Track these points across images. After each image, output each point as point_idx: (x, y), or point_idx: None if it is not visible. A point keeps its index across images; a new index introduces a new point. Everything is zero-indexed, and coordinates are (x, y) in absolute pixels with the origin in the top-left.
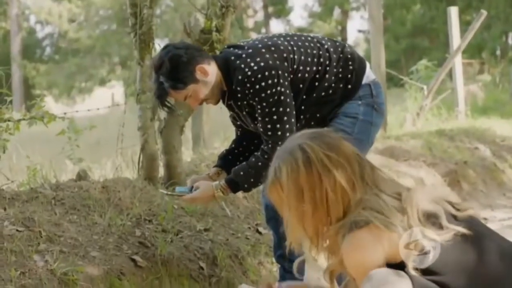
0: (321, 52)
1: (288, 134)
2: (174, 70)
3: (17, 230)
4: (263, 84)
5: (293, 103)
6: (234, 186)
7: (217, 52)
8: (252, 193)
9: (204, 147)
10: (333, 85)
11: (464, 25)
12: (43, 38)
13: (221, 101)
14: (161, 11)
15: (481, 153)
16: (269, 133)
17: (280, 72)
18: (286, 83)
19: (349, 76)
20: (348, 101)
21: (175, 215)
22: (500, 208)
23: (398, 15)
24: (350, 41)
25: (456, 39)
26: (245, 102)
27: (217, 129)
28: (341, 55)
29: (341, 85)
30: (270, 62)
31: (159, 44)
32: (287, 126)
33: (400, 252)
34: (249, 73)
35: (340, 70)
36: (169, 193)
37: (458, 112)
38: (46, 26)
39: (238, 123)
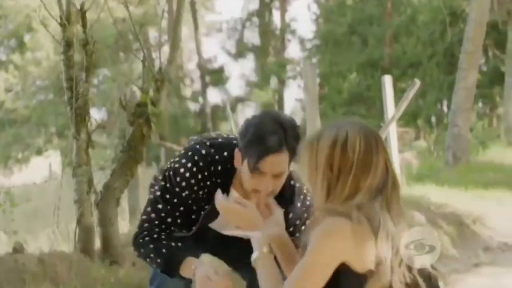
0: None
1: None
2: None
3: None
4: None
5: None
6: None
7: (153, 126)
8: None
9: None
10: None
11: (400, 93)
12: None
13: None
14: (98, 81)
15: (416, 220)
16: None
17: None
18: None
19: None
20: None
21: None
22: None
23: (334, 83)
24: (288, 110)
25: (390, 108)
26: None
27: None
28: None
29: None
30: None
31: (95, 120)
32: None
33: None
34: None
35: None
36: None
37: None
38: None
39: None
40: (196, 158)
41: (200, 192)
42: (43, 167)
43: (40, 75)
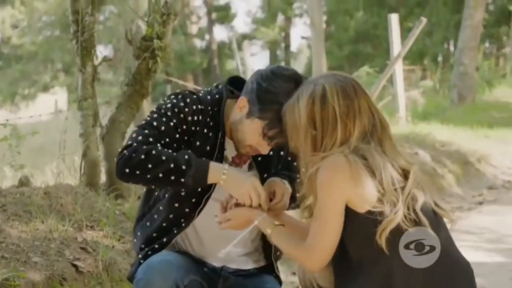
0: None
1: None
2: None
3: None
4: None
5: None
6: None
7: (158, 60)
8: None
9: None
10: None
11: (406, 32)
12: None
13: None
14: (104, 17)
15: (421, 158)
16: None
17: None
18: None
19: None
20: None
21: (116, 221)
22: None
23: (341, 21)
24: (294, 47)
25: (396, 46)
26: None
27: None
28: None
29: None
30: None
31: (100, 52)
32: None
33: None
34: None
35: None
36: None
37: (399, 118)
38: None
39: None
40: (184, 97)
41: (188, 127)
42: (49, 104)
43: (46, 11)
